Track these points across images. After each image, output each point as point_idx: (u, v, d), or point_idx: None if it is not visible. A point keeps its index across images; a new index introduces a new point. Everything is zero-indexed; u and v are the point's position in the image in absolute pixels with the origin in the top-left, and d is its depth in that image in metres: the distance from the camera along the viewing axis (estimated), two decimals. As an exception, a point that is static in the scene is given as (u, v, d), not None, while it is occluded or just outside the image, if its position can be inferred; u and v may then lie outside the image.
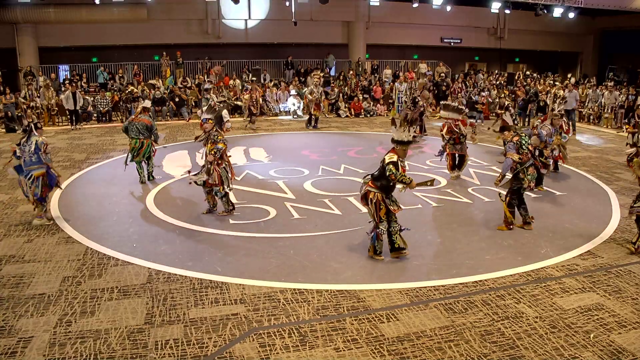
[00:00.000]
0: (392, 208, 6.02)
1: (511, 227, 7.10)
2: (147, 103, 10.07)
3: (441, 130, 9.83)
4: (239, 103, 17.53)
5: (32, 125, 7.32)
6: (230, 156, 7.88)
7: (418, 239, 6.61)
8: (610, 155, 12.17)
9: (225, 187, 7.46)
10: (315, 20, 21.83)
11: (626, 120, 10.85)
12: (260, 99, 15.76)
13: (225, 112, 10.71)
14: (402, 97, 17.46)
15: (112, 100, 17.26)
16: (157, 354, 4.29)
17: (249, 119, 15.43)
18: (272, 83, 19.62)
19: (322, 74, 18.36)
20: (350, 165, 10.69)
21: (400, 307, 5.06)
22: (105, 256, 6.21)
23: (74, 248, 6.46)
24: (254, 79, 19.15)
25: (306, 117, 16.51)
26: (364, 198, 6.16)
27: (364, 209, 7.83)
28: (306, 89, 15.87)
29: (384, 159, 5.98)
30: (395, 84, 18.34)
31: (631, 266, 6.00)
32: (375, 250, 6.17)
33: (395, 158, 5.91)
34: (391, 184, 5.97)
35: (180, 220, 7.44)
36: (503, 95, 14.50)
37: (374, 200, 6.01)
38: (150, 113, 9.93)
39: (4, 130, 15.10)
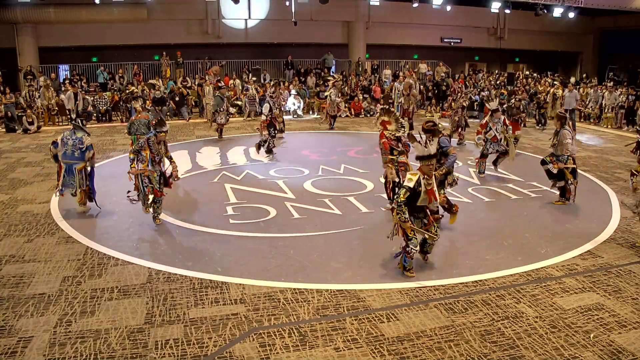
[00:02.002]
0: (410, 226, 5.44)
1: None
2: (138, 102, 10.22)
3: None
4: (238, 103, 17.56)
5: (79, 121, 7.73)
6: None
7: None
8: (610, 155, 12.17)
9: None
10: (315, 20, 21.82)
11: (639, 127, 10.71)
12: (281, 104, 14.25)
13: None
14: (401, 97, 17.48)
15: (112, 100, 17.27)
16: (157, 354, 4.29)
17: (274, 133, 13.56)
18: (272, 83, 19.63)
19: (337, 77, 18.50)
20: (350, 165, 10.69)
21: (400, 307, 5.06)
22: (105, 256, 6.21)
23: (74, 248, 6.46)
24: (264, 80, 19.24)
25: (307, 117, 16.52)
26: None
27: (364, 209, 7.90)
28: (328, 92, 15.82)
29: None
30: (395, 83, 18.31)
31: (631, 266, 6.00)
32: (405, 267, 5.69)
33: (415, 178, 5.46)
34: (417, 201, 5.50)
35: (180, 220, 7.44)
36: (519, 98, 14.68)
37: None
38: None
39: (4, 130, 15.11)
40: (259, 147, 11.48)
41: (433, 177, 5.67)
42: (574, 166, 8.11)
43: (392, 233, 5.71)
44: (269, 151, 11.53)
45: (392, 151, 7.88)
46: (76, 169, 7.53)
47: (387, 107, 9.20)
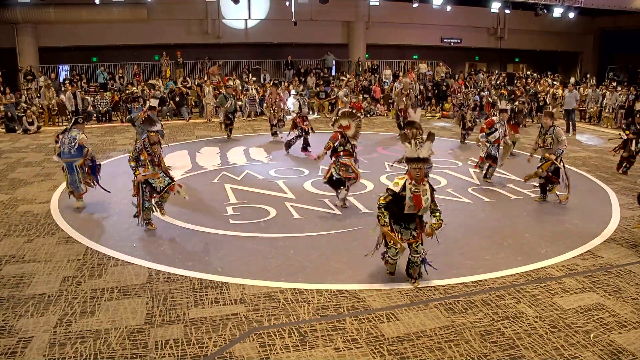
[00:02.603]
0: (387, 231, 5.19)
1: None
2: (154, 102, 10.15)
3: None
4: (238, 103, 17.55)
5: (74, 119, 7.92)
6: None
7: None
8: (610, 155, 12.15)
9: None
10: (315, 20, 21.83)
11: (624, 126, 10.64)
12: (281, 105, 13.58)
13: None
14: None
15: (112, 100, 17.28)
16: (157, 354, 4.29)
17: (274, 132, 13.44)
18: (272, 83, 19.63)
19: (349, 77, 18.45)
20: (350, 165, 10.66)
21: (400, 307, 5.06)
22: (105, 256, 6.21)
23: (74, 248, 6.46)
24: (264, 80, 19.20)
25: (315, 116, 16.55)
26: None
27: (364, 209, 7.90)
28: (340, 92, 15.85)
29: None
30: (395, 83, 18.34)
31: (631, 266, 6.01)
32: (389, 272, 5.66)
33: (401, 183, 5.13)
34: (404, 209, 5.18)
35: (180, 220, 7.44)
36: (522, 100, 14.64)
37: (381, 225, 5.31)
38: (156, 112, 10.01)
39: (4, 130, 15.11)
40: (288, 146, 11.85)
41: (423, 182, 5.22)
42: (559, 165, 8.01)
43: (377, 242, 5.59)
44: (288, 146, 11.90)
45: (337, 147, 7.87)
46: (76, 166, 7.76)
47: (351, 110, 8.75)
